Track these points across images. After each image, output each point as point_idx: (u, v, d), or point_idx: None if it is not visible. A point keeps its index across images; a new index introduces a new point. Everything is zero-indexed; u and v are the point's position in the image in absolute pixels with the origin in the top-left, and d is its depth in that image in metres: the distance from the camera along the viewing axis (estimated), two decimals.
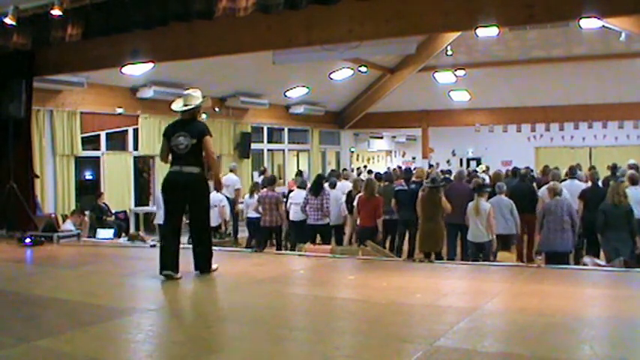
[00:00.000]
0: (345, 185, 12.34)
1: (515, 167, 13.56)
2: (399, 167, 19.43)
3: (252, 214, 11.22)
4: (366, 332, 4.15)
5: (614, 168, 12.34)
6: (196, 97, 5.99)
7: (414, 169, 14.47)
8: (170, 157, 5.86)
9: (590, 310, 4.80)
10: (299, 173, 15.07)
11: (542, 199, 9.67)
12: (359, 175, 16.77)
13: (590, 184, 10.22)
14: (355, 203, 10.22)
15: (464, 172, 11.52)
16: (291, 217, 10.82)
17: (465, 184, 10.27)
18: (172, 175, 5.81)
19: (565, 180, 10.60)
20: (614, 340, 3.89)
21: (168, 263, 5.69)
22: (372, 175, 13.14)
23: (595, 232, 8.79)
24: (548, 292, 5.31)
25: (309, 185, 11.35)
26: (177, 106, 6.00)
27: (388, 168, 20.08)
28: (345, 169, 18.39)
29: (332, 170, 17.14)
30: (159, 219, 11.05)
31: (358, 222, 9.98)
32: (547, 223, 8.43)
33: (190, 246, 6.08)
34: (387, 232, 10.47)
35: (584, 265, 7.93)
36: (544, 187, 9.62)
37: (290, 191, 11.86)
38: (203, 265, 5.96)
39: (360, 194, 10.26)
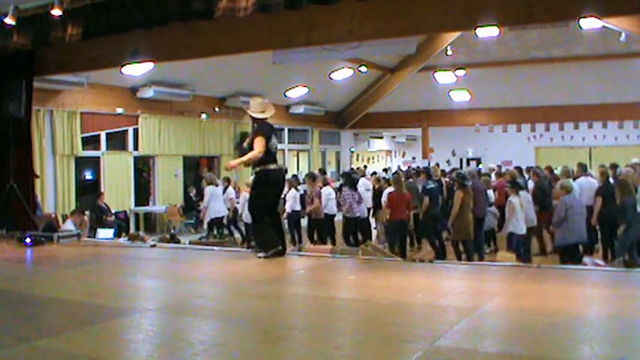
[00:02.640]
0: (362, 182, 12.80)
1: (500, 166, 13.90)
2: (418, 167, 19.52)
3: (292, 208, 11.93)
4: (366, 332, 4.14)
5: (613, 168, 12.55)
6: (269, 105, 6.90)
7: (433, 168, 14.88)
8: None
9: (590, 309, 4.80)
10: (322, 171, 15.43)
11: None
12: (373, 174, 16.90)
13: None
14: (385, 199, 10.95)
15: (474, 170, 11.96)
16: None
17: (478, 181, 10.98)
18: (277, 172, 6.78)
19: (579, 177, 10.87)
20: (614, 340, 3.88)
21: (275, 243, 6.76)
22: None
23: (611, 227, 9.40)
24: (548, 292, 5.31)
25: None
26: (267, 113, 6.80)
27: (409, 166, 20.24)
28: (359, 167, 18.73)
29: (351, 168, 17.34)
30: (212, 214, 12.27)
31: (387, 216, 10.74)
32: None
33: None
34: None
35: (584, 265, 7.95)
36: (558, 184, 9.84)
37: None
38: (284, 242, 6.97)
39: (389, 190, 10.97)
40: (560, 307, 4.65)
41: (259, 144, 6.43)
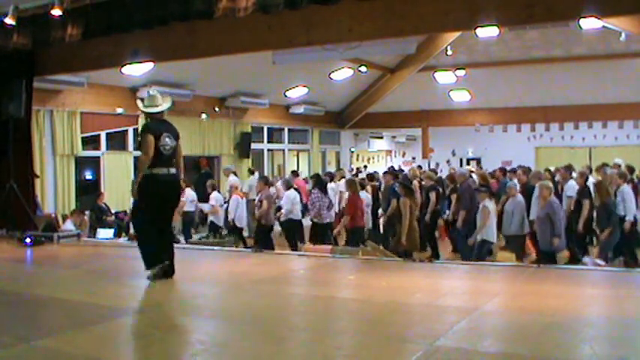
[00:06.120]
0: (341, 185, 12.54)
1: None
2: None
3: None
4: (366, 332, 4.15)
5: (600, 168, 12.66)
6: (164, 97, 6.07)
7: (410, 170, 14.75)
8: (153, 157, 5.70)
9: (590, 310, 4.80)
10: (295, 173, 15.29)
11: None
12: (357, 174, 16.78)
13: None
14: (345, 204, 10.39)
15: (466, 171, 11.74)
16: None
17: (471, 182, 10.68)
18: (166, 177, 5.78)
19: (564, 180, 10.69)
20: (614, 340, 3.89)
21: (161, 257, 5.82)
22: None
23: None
24: (548, 292, 5.31)
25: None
26: (164, 106, 5.95)
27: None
28: (358, 167, 18.57)
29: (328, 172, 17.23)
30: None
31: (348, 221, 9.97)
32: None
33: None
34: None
35: (584, 265, 7.95)
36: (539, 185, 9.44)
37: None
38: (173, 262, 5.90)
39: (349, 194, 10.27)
40: (560, 307, 4.65)
41: (146, 144, 5.59)
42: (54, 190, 11.82)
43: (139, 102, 6.15)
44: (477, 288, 5.74)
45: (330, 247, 9.00)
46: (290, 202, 10.84)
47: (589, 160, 18.64)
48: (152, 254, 5.78)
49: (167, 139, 5.73)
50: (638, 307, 4.76)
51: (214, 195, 12.08)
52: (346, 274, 6.59)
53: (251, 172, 14.56)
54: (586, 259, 8.51)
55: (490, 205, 8.93)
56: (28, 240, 8.09)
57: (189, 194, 12.33)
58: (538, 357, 3.48)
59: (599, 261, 8.03)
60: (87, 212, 11.77)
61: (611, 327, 4.26)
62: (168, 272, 5.81)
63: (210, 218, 12.10)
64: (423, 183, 11.61)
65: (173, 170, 5.83)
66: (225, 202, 12.63)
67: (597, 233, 9.35)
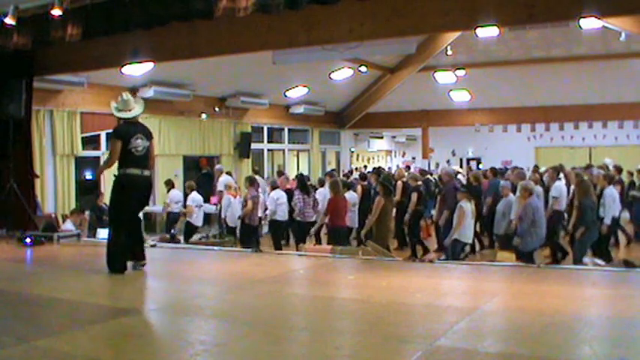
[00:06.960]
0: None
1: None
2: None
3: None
4: (366, 332, 4.15)
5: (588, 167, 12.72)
6: (137, 101, 6.50)
7: (397, 170, 14.91)
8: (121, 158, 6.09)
9: (590, 310, 4.80)
10: (280, 173, 15.23)
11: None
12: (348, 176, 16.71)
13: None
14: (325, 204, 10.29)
15: (452, 171, 11.82)
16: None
17: (454, 183, 10.70)
18: (139, 178, 6.15)
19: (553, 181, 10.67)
20: (614, 340, 3.89)
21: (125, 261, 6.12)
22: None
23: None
24: (547, 291, 5.31)
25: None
26: (136, 110, 6.38)
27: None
28: (357, 167, 18.54)
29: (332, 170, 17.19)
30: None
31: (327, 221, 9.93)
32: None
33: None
34: None
35: (584, 265, 7.95)
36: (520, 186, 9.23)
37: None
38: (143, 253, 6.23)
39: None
40: (560, 307, 4.65)
41: (112, 148, 6.10)
42: (54, 190, 11.82)
43: (112, 104, 6.37)
44: (476, 288, 5.74)
45: (330, 247, 9.00)
46: (274, 202, 10.83)
47: (589, 161, 18.66)
48: (117, 260, 6.05)
49: (139, 141, 6.09)
50: (638, 307, 4.76)
51: (192, 195, 12.19)
52: (346, 274, 6.58)
53: (255, 172, 14.63)
54: (586, 259, 8.51)
55: (465, 205, 8.91)
56: (28, 240, 8.09)
57: (174, 195, 12.37)
58: (538, 357, 3.48)
59: (599, 261, 8.05)
60: (87, 212, 11.77)
61: (611, 327, 4.26)
62: (140, 260, 6.16)
63: (187, 219, 12.19)
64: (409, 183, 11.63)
65: (147, 173, 6.18)
66: (209, 203, 12.83)
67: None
